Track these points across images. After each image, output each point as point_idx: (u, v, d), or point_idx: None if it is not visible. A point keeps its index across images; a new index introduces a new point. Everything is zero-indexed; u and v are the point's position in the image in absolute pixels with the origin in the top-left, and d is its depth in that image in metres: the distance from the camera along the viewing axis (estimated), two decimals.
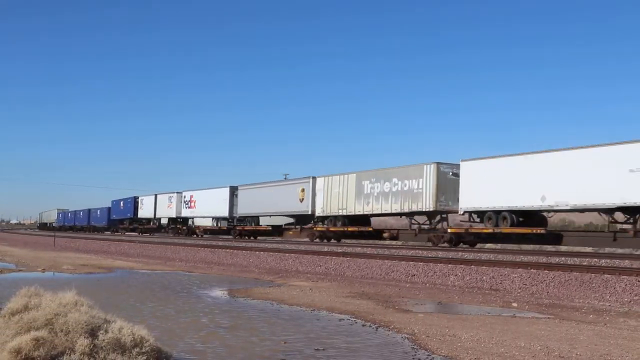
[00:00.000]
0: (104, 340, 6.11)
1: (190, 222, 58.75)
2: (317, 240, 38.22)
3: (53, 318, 6.40)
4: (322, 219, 38.91)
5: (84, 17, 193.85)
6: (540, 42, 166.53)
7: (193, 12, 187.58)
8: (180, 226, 59.40)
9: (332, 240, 37.74)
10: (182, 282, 17.99)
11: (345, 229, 36.98)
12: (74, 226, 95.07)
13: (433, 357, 7.63)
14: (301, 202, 40.50)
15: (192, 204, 56.10)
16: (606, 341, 8.61)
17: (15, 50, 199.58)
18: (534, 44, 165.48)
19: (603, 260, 18.62)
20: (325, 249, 28.08)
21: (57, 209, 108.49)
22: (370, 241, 36.59)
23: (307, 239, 40.03)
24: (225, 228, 53.27)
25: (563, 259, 19.41)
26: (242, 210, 47.99)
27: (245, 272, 21.84)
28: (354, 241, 37.10)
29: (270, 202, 43.73)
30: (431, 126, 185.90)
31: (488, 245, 30.16)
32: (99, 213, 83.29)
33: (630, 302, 13.06)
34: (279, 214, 44.17)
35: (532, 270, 16.45)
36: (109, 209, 77.96)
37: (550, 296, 14.37)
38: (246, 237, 47.76)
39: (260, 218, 47.22)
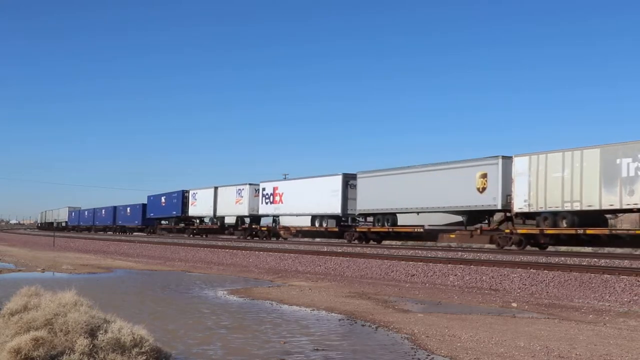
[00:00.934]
0: (103, 340, 6.11)
1: (272, 221, 46.25)
2: (514, 247, 26.96)
3: (52, 318, 6.40)
4: (525, 215, 27.10)
5: (84, 16, 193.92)
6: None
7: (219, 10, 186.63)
8: (257, 226, 47.13)
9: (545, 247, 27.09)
10: (182, 282, 17.99)
11: (583, 230, 24.38)
12: (92, 226, 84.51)
13: (433, 357, 7.63)
14: (481, 192, 28.66)
15: (277, 198, 44.00)
16: (606, 341, 8.61)
17: (15, 50, 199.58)
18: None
19: (603, 260, 18.62)
20: (325, 248, 28.02)
21: (69, 207, 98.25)
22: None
23: (484, 244, 29.65)
24: (334, 229, 39.28)
25: (563, 259, 19.40)
26: (365, 205, 35.70)
27: (245, 272, 21.84)
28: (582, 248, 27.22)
29: (420, 194, 31.60)
30: (471, 124, 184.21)
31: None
32: (129, 211, 71.92)
33: (629, 302, 13.06)
34: (436, 210, 31.80)
35: (531, 270, 16.46)
36: (144, 205, 66.26)
37: (550, 296, 14.37)
38: (371, 242, 36.17)
39: (400, 216, 34.04)
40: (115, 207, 77.16)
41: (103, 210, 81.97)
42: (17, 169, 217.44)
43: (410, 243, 34.88)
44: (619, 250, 24.70)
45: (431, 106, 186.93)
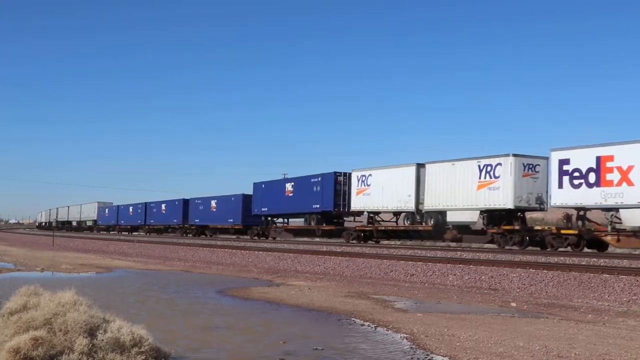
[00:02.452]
0: (102, 339, 6.11)
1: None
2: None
3: (52, 318, 6.39)
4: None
5: (85, 15, 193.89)
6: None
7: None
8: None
9: None
10: (181, 282, 17.99)
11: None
12: (142, 226, 66.94)
13: (432, 357, 7.63)
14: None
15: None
16: (605, 341, 8.61)
17: (15, 50, 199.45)
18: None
19: (602, 260, 18.61)
20: (324, 248, 28.06)
21: (98, 202, 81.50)
22: None
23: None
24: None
25: (562, 258, 19.40)
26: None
27: (244, 272, 21.83)
28: None
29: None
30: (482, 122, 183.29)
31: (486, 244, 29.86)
32: (213, 205, 51.89)
33: (629, 301, 13.06)
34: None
35: (530, 270, 16.45)
36: (244, 198, 47.50)
37: (549, 296, 14.37)
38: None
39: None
40: (186, 201, 57.09)
41: (163, 205, 62.02)
42: (16, 169, 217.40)
43: (409, 243, 34.81)
44: (618, 250, 24.68)
45: (432, 106, 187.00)
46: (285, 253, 25.29)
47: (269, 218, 44.77)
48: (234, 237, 48.01)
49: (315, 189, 38.57)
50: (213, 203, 52.36)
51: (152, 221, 63.84)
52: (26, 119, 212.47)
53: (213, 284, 17.36)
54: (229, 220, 49.55)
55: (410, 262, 19.75)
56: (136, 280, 18.45)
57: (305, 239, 39.99)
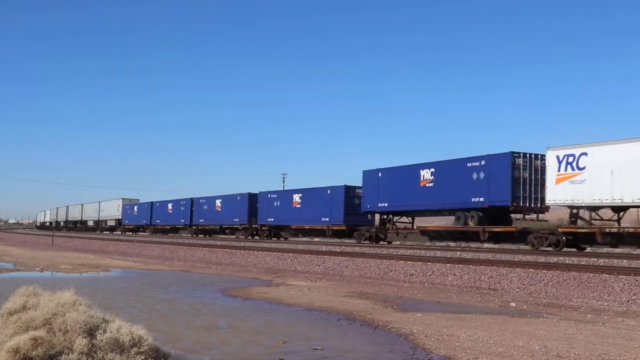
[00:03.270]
0: (102, 339, 6.10)
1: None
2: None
3: (51, 317, 6.39)
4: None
5: (86, 15, 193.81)
6: None
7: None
8: None
9: None
10: (181, 282, 17.98)
11: None
12: (188, 227, 54.93)
13: (431, 357, 7.63)
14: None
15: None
16: (604, 341, 8.61)
17: (14, 50, 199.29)
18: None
19: (601, 260, 18.63)
20: (324, 248, 28.05)
21: (122, 199, 72.15)
22: None
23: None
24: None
25: (561, 258, 19.41)
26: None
27: (244, 272, 21.83)
28: None
29: None
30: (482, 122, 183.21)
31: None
32: (297, 199, 42.60)
33: (628, 301, 13.07)
34: None
35: (530, 269, 16.46)
36: (347, 190, 38.73)
37: (549, 296, 14.38)
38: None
39: None
40: (252, 195, 46.13)
41: (218, 201, 50.36)
42: (15, 169, 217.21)
43: (408, 243, 34.64)
44: (617, 250, 24.68)
45: (434, 106, 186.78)
46: (285, 253, 25.29)
47: (387, 217, 35.32)
48: (333, 240, 38.32)
49: (475, 175, 29.68)
50: (297, 198, 42.41)
51: (201, 220, 51.40)
52: (26, 118, 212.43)
53: (212, 284, 17.35)
54: (323, 219, 39.78)
55: (409, 262, 19.75)
56: (135, 280, 18.44)
57: (451, 243, 31.88)
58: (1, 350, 5.83)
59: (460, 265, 18.35)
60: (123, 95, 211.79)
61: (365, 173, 36.39)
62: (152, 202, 65.22)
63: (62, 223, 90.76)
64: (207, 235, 51.75)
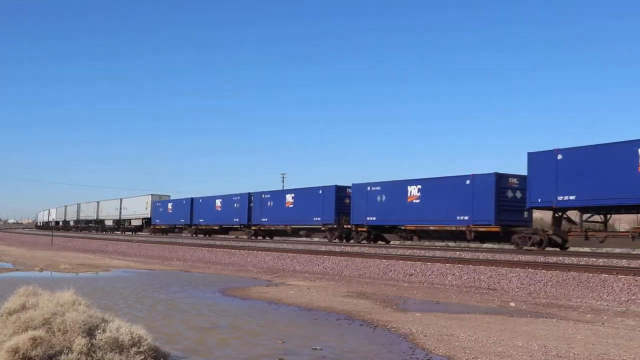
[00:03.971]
0: (101, 339, 6.10)
1: None
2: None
3: (50, 317, 6.39)
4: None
5: (87, 16, 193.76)
6: None
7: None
8: None
9: None
10: (180, 282, 17.98)
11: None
12: (246, 227, 46.54)
13: (431, 357, 7.63)
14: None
15: None
16: (604, 340, 8.61)
17: (14, 50, 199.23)
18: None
19: (600, 260, 18.63)
20: (323, 248, 28.06)
21: (152, 195, 62.81)
22: None
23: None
24: None
25: (560, 258, 19.41)
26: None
27: (243, 272, 21.83)
28: None
29: None
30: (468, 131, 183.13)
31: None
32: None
33: (627, 301, 13.08)
34: None
35: (529, 269, 16.47)
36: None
37: (548, 295, 14.38)
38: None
39: None
40: (337, 187, 38.55)
41: (291, 195, 42.20)
42: (15, 169, 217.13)
43: (408, 243, 34.75)
44: (617, 250, 24.70)
45: (435, 109, 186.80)
46: (284, 253, 25.29)
47: (561, 214, 24.52)
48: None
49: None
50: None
51: (264, 220, 44.16)
52: (26, 118, 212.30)
53: (212, 284, 17.35)
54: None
55: (409, 262, 19.76)
56: (135, 280, 18.43)
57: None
58: (0, 350, 5.83)
59: (459, 265, 18.35)
60: (123, 97, 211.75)
61: (530, 156, 24.95)
62: (192, 198, 55.00)
63: (71, 223, 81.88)
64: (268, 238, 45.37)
